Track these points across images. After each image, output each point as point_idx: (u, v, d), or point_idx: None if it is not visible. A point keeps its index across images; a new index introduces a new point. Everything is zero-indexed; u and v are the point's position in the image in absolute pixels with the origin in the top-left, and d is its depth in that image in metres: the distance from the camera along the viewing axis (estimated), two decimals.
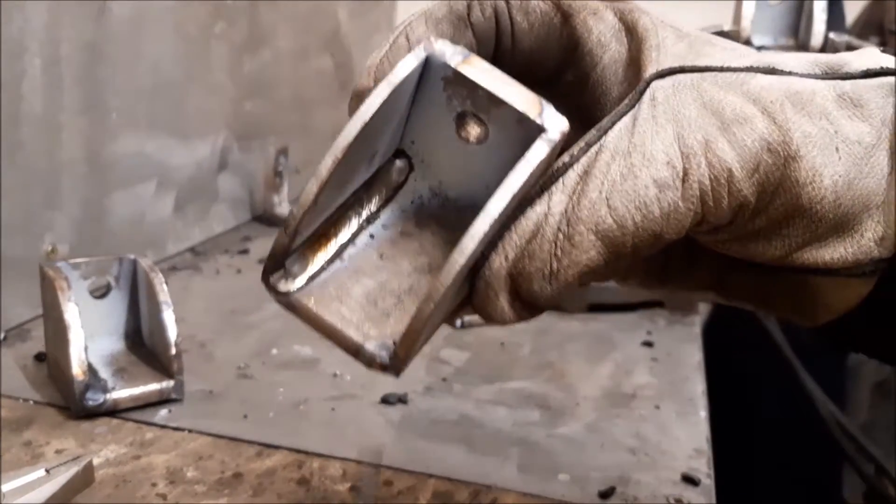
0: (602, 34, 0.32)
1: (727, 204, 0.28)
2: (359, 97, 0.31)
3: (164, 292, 0.59)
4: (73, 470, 0.46)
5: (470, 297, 0.29)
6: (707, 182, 0.28)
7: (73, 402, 0.56)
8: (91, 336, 0.59)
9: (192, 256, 0.94)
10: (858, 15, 1.45)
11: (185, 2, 0.88)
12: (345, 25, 1.30)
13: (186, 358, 0.61)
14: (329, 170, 0.28)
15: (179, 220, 0.93)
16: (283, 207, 1.08)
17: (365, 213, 0.32)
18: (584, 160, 0.28)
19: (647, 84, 0.29)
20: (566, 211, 0.28)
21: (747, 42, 0.84)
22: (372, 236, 0.32)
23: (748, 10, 0.85)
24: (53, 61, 0.70)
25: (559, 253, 0.28)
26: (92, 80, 0.75)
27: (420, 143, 0.32)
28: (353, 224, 0.32)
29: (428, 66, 0.29)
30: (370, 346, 0.29)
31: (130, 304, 0.63)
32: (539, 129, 0.27)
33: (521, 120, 0.28)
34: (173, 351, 0.59)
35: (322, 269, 0.31)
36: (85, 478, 0.47)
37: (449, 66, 0.29)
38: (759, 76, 0.30)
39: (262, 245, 0.99)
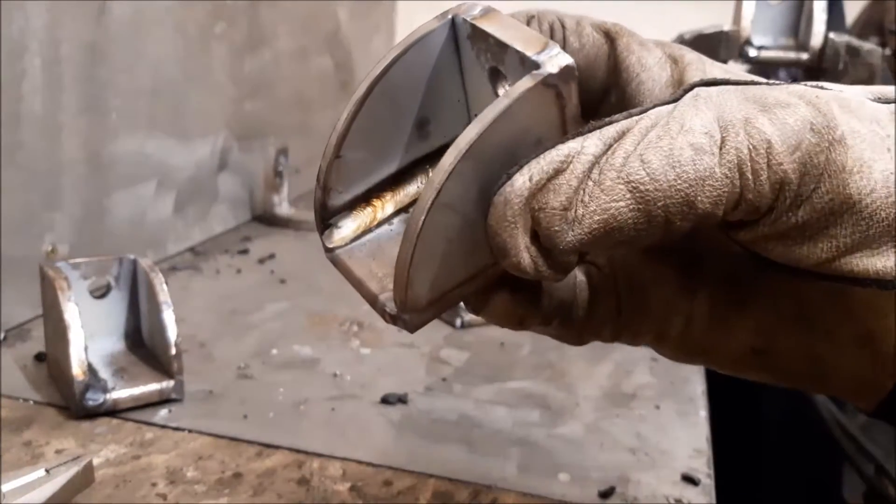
0: (644, 58, 0.32)
1: (766, 178, 0.27)
2: None
3: (164, 292, 0.59)
4: (73, 470, 0.45)
5: (485, 228, 0.28)
6: (745, 150, 0.27)
7: (73, 402, 0.56)
8: (91, 336, 0.59)
9: (192, 256, 0.94)
10: (858, 15, 1.45)
11: (185, 2, 0.88)
12: (345, 25, 1.30)
13: (186, 358, 0.61)
14: (345, 122, 0.30)
15: (179, 220, 0.93)
16: (283, 207, 1.08)
17: None
18: (624, 122, 0.28)
19: (691, 87, 0.29)
20: (599, 156, 0.27)
21: (747, 42, 0.84)
22: None
23: (748, 10, 0.85)
24: (53, 61, 0.70)
25: (586, 197, 0.27)
26: (92, 80, 0.75)
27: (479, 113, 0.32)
28: (413, 193, 0.33)
29: (457, 29, 0.30)
30: (383, 297, 0.31)
31: (130, 304, 0.63)
32: (534, 66, 0.27)
33: (523, 60, 0.28)
34: (173, 351, 0.59)
35: (370, 229, 0.33)
36: (85, 478, 0.46)
37: (467, 22, 0.29)
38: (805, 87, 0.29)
39: (262, 245, 0.99)
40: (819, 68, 0.84)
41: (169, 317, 0.59)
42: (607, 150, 0.27)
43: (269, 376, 0.65)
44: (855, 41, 0.85)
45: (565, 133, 0.28)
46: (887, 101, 0.30)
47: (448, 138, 0.33)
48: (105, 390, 0.57)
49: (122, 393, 0.57)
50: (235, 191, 1.05)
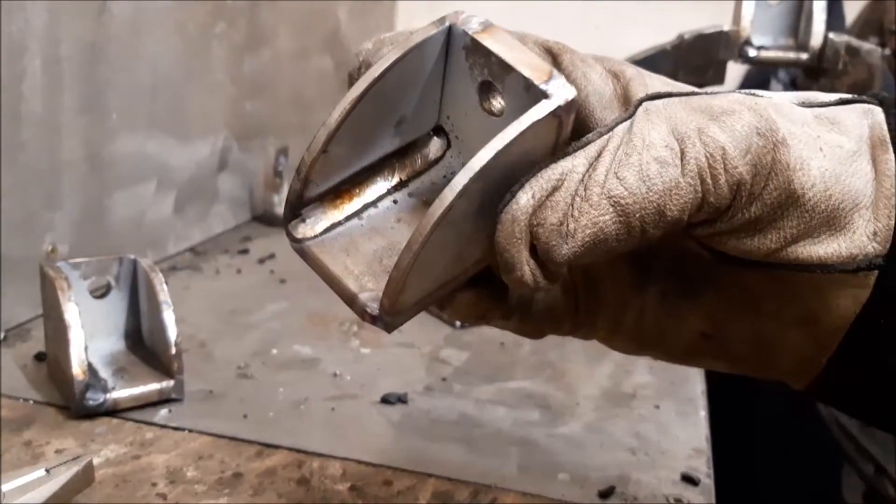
0: (587, 73, 0.34)
1: (725, 181, 0.29)
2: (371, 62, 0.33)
3: (164, 292, 0.59)
4: (73, 470, 0.45)
5: (492, 242, 0.30)
6: (703, 159, 0.29)
7: (73, 402, 0.56)
8: (91, 336, 0.59)
9: (192, 256, 0.94)
10: (858, 15, 1.45)
11: (185, 2, 0.88)
12: (345, 25, 1.30)
13: (186, 358, 0.61)
14: (337, 119, 0.30)
15: (179, 220, 0.93)
16: (282, 207, 1.08)
17: (395, 181, 0.33)
18: (599, 141, 0.30)
19: (640, 102, 0.31)
20: (584, 174, 0.30)
21: (747, 42, 0.84)
22: (395, 202, 0.33)
23: (748, 10, 0.85)
24: (53, 61, 0.70)
25: (576, 212, 0.29)
26: (92, 80, 0.75)
27: (454, 118, 0.33)
28: (380, 188, 0.33)
29: (452, 37, 0.31)
30: (364, 297, 0.31)
31: (130, 304, 0.63)
32: (543, 95, 0.28)
33: (528, 86, 0.29)
34: (173, 351, 0.59)
35: (340, 223, 0.32)
36: (85, 478, 0.46)
37: (467, 35, 0.30)
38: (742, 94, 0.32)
39: (262, 245, 0.99)
40: (819, 68, 0.84)
41: (169, 317, 0.59)
42: (590, 167, 0.30)
43: (269, 376, 0.65)
44: (855, 41, 0.85)
45: (554, 154, 0.30)
46: (810, 105, 0.33)
47: (416, 135, 0.33)
48: (105, 390, 0.57)
49: (122, 393, 0.57)
50: (235, 191, 1.05)
